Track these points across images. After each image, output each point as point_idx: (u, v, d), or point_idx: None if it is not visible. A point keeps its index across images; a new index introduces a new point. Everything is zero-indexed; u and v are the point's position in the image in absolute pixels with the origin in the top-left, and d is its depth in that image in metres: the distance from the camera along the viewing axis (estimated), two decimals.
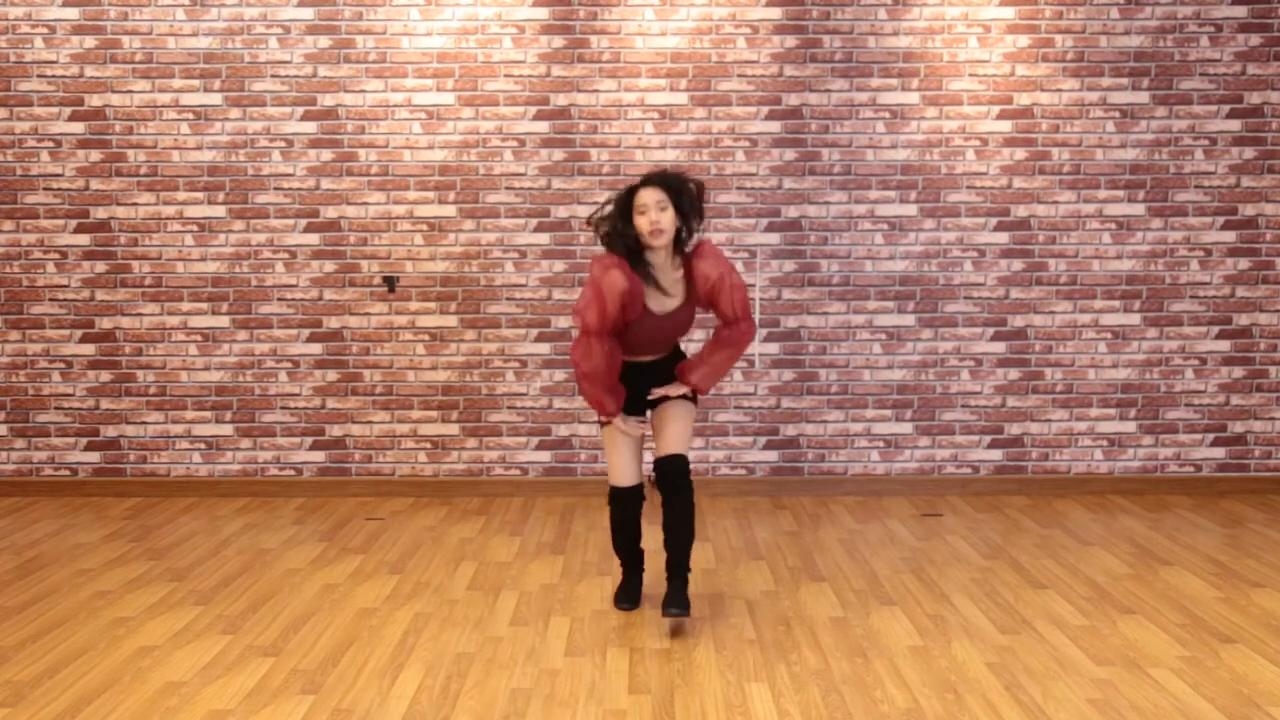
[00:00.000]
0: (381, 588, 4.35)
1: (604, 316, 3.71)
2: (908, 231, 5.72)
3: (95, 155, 5.68)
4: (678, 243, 3.82)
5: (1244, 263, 5.75)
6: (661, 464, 3.85)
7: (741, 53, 5.64)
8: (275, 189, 5.69)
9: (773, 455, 5.81)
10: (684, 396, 3.96)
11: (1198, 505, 5.59)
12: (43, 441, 5.81)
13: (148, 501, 5.72)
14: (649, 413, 4.14)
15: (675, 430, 3.89)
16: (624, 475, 3.95)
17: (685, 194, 3.74)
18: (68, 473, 5.83)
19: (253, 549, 4.87)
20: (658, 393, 3.96)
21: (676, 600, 3.79)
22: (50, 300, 5.75)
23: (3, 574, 4.54)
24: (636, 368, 4.02)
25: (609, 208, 3.81)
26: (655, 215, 3.67)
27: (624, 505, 4.00)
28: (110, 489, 5.81)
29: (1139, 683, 3.42)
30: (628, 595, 4.13)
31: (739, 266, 5.69)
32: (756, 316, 5.71)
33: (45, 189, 5.70)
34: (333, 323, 5.75)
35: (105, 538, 5.05)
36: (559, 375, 5.76)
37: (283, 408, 5.78)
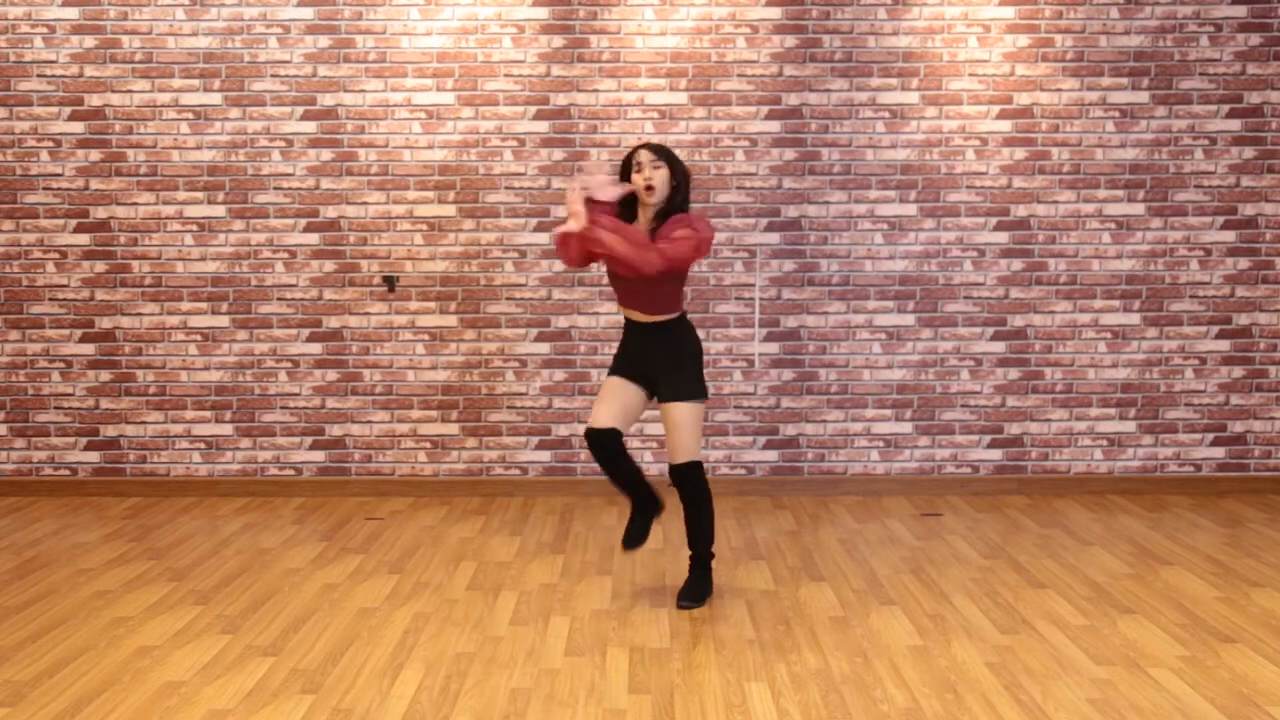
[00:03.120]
0: (381, 588, 4.35)
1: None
2: (907, 231, 5.72)
3: (95, 155, 5.68)
4: (665, 213, 4.01)
5: (1244, 262, 5.75)
6: (673, 472, 4.14)
7: (741, 52, 5.64)
8: (275, 189, 5.69)
9: (773, 455, 5.81)
10: (686, 398, 4.09)
11: (1197, 505, 5.59)
12: (42, 441, 5.81)
13: (147, 501, 5.72)
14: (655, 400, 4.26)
15: (677, 439, 4.12)
16: (597, 417, 4.12)
17: (677, 163, 4.03)
18: (67, 472, 5.83)
19: (252, 549, 4.87)
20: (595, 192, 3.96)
21: (686, 592, 4.15)
22: (50, 300, 5.75)
23: (3, 574, 4.54)
24: (637, 330, 4.15)
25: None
26: (649, 172, 3.96)
27: (597, 446, 4.08)
28: (110, 489, 5.81)
29: (1139, 683, 3.42)
30: (628, 534, 4.18)
31: (737, 266, 5.69)
32: (756, 316, 5.72)
33: (45, 189, 5.70)
34: (332, 322, 5.75)
35: (105, 537, 5.05)
36: (559, 375, 5.76)
37: (282, 407, 5.78)
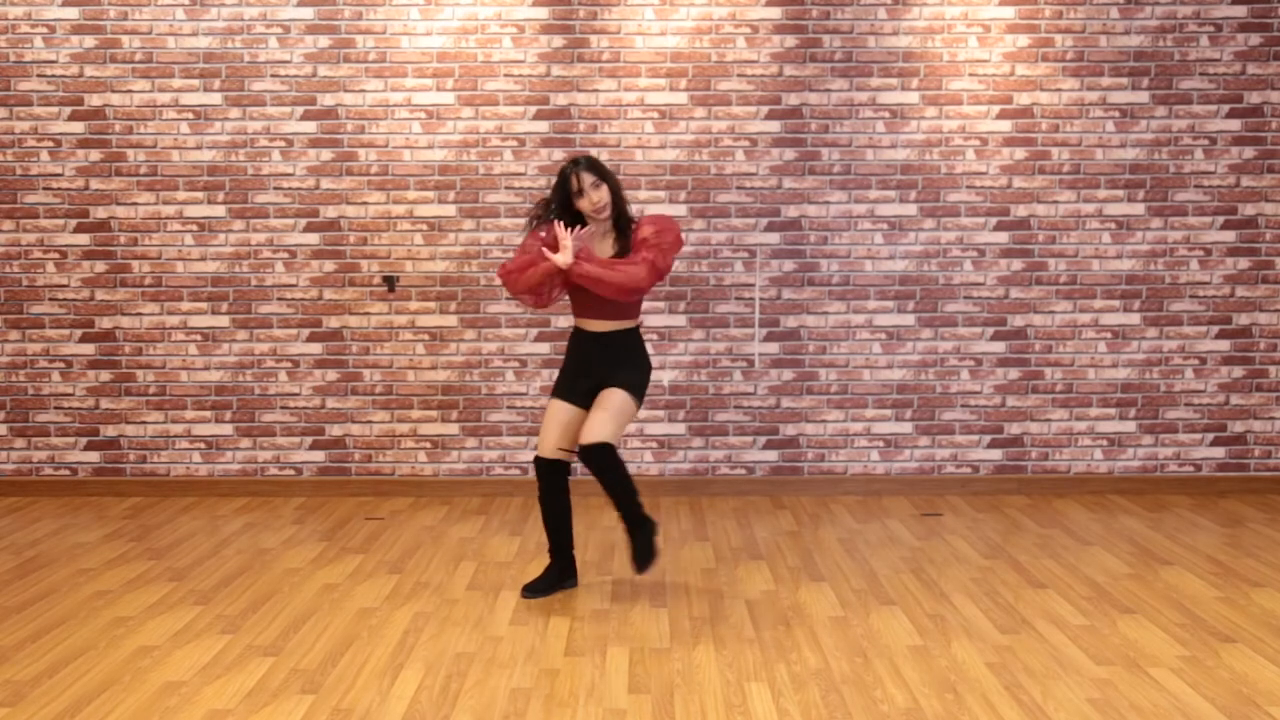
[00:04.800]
0: (381, 587, 4.35)
1: (520, 254, 4.15)
2: (907, 231, 5.72)
3: (95, 155, 5.68)
4: (620, 227, 4.15)
5: (1244, 262, 5.75)
6: (581, 452, 4.05)
7: (741, 52, 5.64)
8: (275, 189, 5.69)
9: (773, 455, 5.81)
10: (624, 387, 4.12)
11: (1197, 505, 5.59)
12: (43, 441, 5.81)
13: (147, 501, 5.72)
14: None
15: (596, 417, 4.05)
16: (544, 445, 4.21)
17: (610, 174, 4.12)
18: (68, 472, 5.83)
19: (253, 549, 4.87)
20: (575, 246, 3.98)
21: (637, 555, 4.09)
22: (50, 300, 5.75)
23: (3, 574, 4.54)
24: (588, 339, 4.18)
25: (546, 206, 4.18)
26: (595, 195, 4.05)
27: (542, 475, 4.21)
28: (110, 489, 5.81)
29: (1139, 683, 3.42)
30: (535, 584, 4.26)
31: (737, 266, 5.69)
32: (756, 316, 5.71)
33: (45, 189, 5.70)
34: (332, 322, 5.75)
35: (105, 537, 5.05)
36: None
37: (282, 407, 5.78)
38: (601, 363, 4.18)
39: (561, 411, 4.21)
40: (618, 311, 4.16)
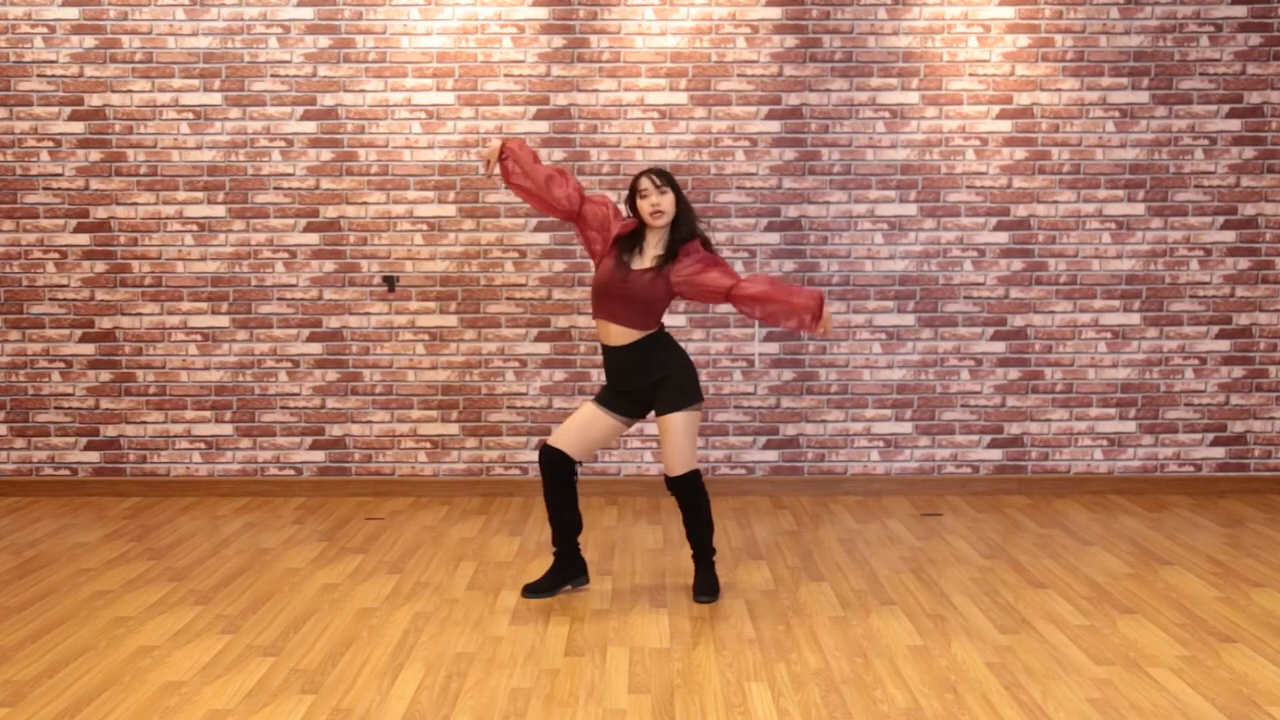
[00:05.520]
0: (381, 587, 4.35)
1: (583, 198, 4.23)
2: (907, 231, 5.72)
3: (95, 155, 5.68)
4: (675, 236, 4.11)
5: (1244, 262, 5.75)
6: (669, 484, 4.19)
7: (741, 52, 5.64)
8: (275, 189, 5.69)
9: (773, 455, 5.81)
10: (679, 407, 4.11)
11: (1197, 505, 5.59)
12: (43, 441, 5.81)
13: (147, 501, 5.72)
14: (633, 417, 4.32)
15: (672, 451, 4.13)
16: (558, 436, 4.19)
17: (678, 188, 4.12)
18: (68, 472, 5.83)
19: (253, 549, 4.87)
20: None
21: (703, 587, 4.20)
22: (50, 300, 5.75)
23: (3, 574, 4.54)
24: (613, 354, 4.16)
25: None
26: (655, 198, 4.05)
27: (546, 464, 4.17)
28: (110, 489, 5.81)
29: (1139, 683, 3.42)
30: (537, 584, 4.25)
31: (738, 266, 5.69)
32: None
33: (45, 189, 5.70)
34: (332, 322, 5.75)
35: (105, 537, 5.05)
36: (559, 375, 5.76)
37: (282, 407, 5.78)
38: (639, 383, 4.14)
39: (590, 416, 4.17)
40: (631, 318, 4.08)
